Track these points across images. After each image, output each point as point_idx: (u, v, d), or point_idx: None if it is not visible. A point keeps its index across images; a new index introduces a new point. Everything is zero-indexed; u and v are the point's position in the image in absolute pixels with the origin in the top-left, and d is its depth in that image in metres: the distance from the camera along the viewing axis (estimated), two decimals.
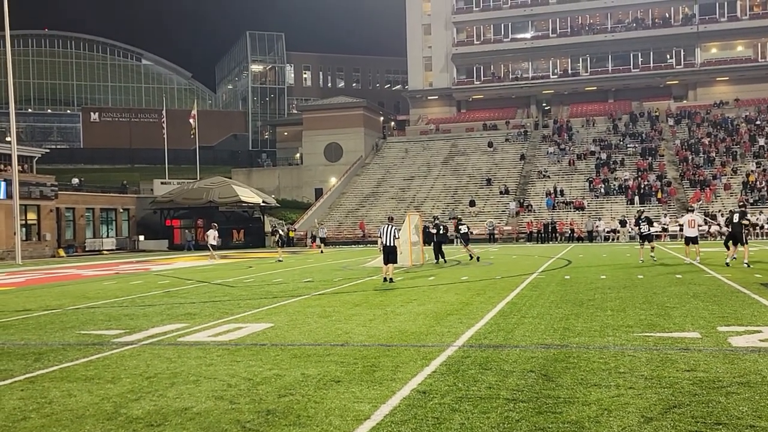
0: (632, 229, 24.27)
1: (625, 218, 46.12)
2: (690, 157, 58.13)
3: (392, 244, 18.43)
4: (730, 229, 20.97)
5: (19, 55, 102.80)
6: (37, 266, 35.10)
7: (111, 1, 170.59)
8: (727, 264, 20.22)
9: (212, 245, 33.97)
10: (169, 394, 6.72)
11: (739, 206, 21.10)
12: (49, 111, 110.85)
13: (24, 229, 45.62)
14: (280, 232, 36.88)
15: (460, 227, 30.13)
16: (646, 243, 23.79)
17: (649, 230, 23.81)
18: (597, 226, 47.38)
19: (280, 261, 31.12)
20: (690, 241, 22.73)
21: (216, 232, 34.42)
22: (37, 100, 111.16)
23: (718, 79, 71.78)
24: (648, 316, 10.87)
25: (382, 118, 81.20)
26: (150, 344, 9.69)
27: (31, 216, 47.85)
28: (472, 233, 35.46)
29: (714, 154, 57.83)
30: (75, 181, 57.59)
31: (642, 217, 24.27)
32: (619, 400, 5.99)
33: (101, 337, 10.47)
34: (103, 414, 6.11)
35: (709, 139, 61.02)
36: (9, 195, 42.80)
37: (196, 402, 6.40)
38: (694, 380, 6.60)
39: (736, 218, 20.34)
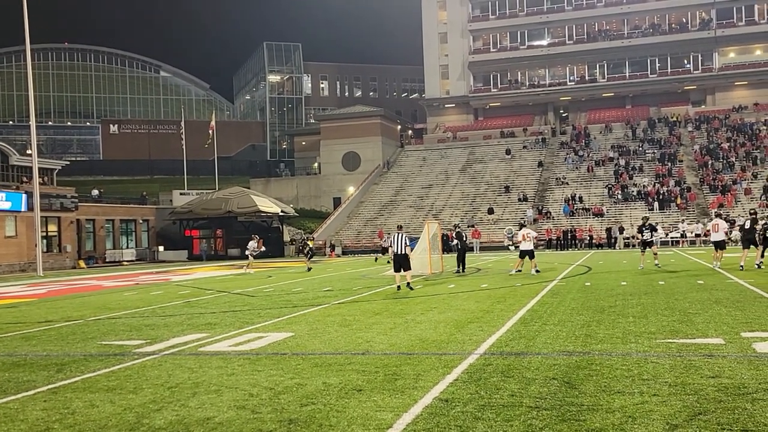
0: (637, 236, 25.16)
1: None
2: (709, 162, 57.65)
3: (403, 252, 18.43)
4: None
5: (39, 68, 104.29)
6: (58, 278, 35.41)
7: (130, 14, 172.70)
8: (741, 267, 20.83)
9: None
10: (191, 404, 6.73)
11: (750, 214, 23.16)
12: (69, 123, 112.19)
13: (45, 241, 46.07)
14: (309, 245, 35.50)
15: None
16: (647, 249, 24.36)
17: (651, 237, 24.46)
18: (614, 233, 47.01)
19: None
20: (717, 245, 22.70)
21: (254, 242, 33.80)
22: (57, 113, 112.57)
23: (736, 83, 71.22)
24: (670, 322, 10.77)
25: (399, 127, 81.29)
26: (171, 354, 9.72)
27: (52, 228, 48.32)
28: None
29: (734, 159, 57.33)
30: (95, 192, 58.04)
31: (646, 224, 24.55)
32: (644, 408, 5.92)
33: (123, 348, 10.52)
34: (126, 424, 6.12)
35: (728, 143, 60.50)
36: (30, 207, 43.24)
37: (218, 412, 6.40)
38: (719, 387, 6.52)
39: (748, 224, 21.81)
